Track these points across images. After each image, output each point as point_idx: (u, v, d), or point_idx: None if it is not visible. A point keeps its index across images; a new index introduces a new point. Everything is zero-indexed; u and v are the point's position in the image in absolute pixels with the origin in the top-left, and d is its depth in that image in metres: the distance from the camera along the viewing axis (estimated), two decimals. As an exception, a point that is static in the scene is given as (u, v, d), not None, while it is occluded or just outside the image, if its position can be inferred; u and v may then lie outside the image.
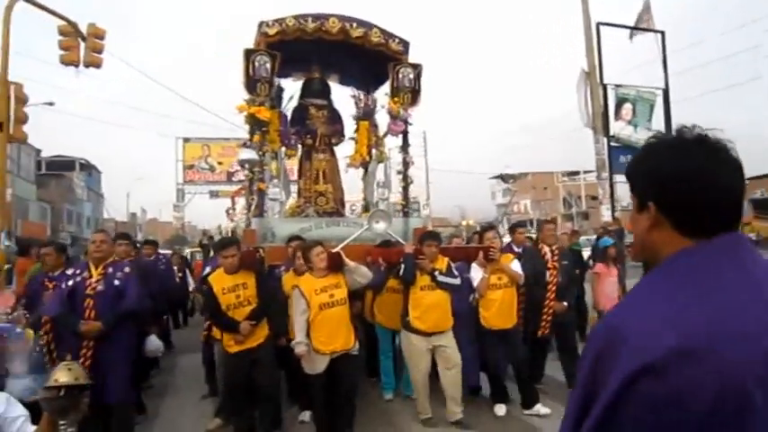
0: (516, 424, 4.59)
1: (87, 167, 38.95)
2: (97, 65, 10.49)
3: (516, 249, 5.96)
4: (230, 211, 17.42)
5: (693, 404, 0.73)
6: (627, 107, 11.51)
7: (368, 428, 4.52)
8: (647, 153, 0.97)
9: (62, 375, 1.43)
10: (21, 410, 1.66)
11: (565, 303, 5.27)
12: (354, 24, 6.02)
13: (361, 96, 7.15)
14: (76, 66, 10.25)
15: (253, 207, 5.97)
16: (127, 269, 4.25)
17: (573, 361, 5.13)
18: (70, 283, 4.01)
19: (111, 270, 4.13)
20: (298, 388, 4.83)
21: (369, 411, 4.88)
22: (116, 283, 4.09)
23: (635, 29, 11.90)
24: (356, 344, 4.29)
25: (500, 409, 4.72)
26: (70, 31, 10.16)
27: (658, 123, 11.49)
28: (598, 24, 11.34)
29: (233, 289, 4.28)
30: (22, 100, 9.84)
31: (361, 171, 7.42)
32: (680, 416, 0.74)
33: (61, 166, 35.44)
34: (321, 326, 4.10)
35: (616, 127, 11.33)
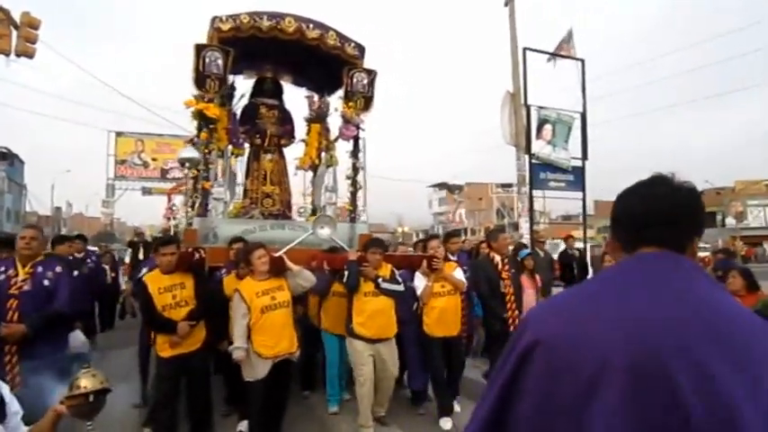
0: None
1: (9, 157, 36.28)
2: (30, 55, 10.07)
3: (451, 258, 6.10)
4: (172, 209, 16.73)
5: (565, 375, 0.93)
6: (547, 128, 12.18)
7: None
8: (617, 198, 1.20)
9: (87, 382, 1.52)
10: (18, 407, 1.67)
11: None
12: (311, 26, 5.96)
13: (315, 98, 7.12)
14: (8, 55, 9.85)
15: (196, 206, 5.76)
16: (58, 268, 3.93)
17: None
18: None
19: (40, 269, 3.80)
20: (236, 395, 4.67)
21: (309, 423, 4.81)
22: (45, 282, 3.78)
23: (557, 56, 12.76)
24: (298, 349, 4.22)
25: (446, 423, 4.66)
26: (2, 19, 9.76)
27: (574, 144, 12.53)
28: (524, 49, 12.12)
29: (169, 289, 4.09)
30: None
31: (309, 174, 7.35)
32: (555, 384, 0.94)
33: (-20, 154, 32.83)
34: (263, 329, 3.99)
35: (537, 146, 11.97)
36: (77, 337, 4.75)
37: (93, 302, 8.41)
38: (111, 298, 10.16)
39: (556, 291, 6.89)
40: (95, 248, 11.23)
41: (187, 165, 5.74)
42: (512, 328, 5.02)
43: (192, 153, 5.55)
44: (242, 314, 3.97)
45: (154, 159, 29.40)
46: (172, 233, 8.43)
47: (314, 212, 6.90)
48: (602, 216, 38.73)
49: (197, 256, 4.82)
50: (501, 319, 5.07)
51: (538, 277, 6.62)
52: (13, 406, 1.66)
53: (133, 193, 29.75)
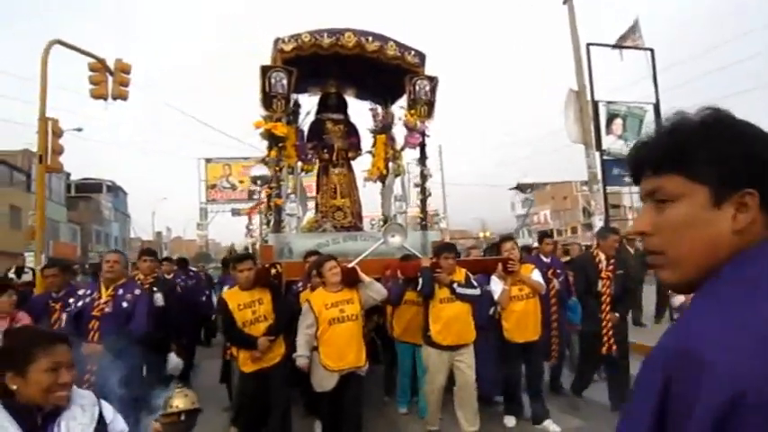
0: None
1: (114, 189, 39.94)
2: (124, 98, 11.14)
3: (545, 260, 5.89)
4: (248, 228, 17.56)
5: None
6: (617, 122, 11.98)
7: None
8: (722, 129, 0.74)
9: (180, 401, 1.62)
10: (124, 425, 1.76)
11: (617, 315, 4.96)
12: (370, 38, 6.02)
13: (379, 110, 7.17)
14: (105, 99, 10.90)
15: (271, 223, 5.97)
16: (137, 291, 4.18)
17: (623, 378, 4.91)
18: (79, 303, 3.97)
19: (120, 291, 4.06)
20: (312, 404, 4.76)
21: (380, 425, 4.84)
22: (124, 305, 4.01)
23: (624, 47, 12.31)
24: (366, 363, 4.21)
25: (509, 421, 4.65)
26: (99, 67, 10.91)
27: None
28: (588, 45, 11.84)
29: (249, 305, 4.22)
30: (57, 133, 10.69)
31: (379, 185, 7.39)
32: None
33: (89, 188, 36.43)
34: (330, 341, 4.03)
35: (607, 141, 11.77)
36: (172, 360, 5.05)
37: (193, 321, 8.81)
38: (205, 316, 10.72)
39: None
40: (195, 268, 11.98)
41: (258, 182, 5.98)
42: (604, 330, 4.80)
43: (262, 171, 5.78)
44: (308, 324, 4.03)
45: (241, 182, 30.95)
46: (251, 250, 8.83)
47: (385, 222, 6.90)
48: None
49: (273, 271, 4.98)
50: (595, 318, 4.86)
51: None
52: (118, 425, 1.73)
53: (224, 214, 31.52)
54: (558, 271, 5.83)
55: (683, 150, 0.75)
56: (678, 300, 4.23)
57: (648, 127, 12.11)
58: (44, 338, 1.63)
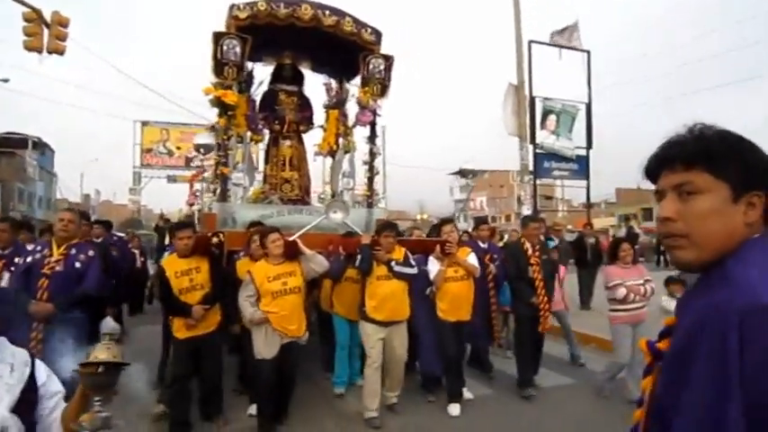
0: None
1: (40, 146, 37.31)
2: (60, 52, 10.54)
3: (482, 245, 6.14)
4: (195, 194, 17.02)
5: None
6: (551, 118, 12.74)
7: (309, 419, 4.53)
8: (744, 143, 0.93)
9: (101, 353, 1.50)
10: (59, 387, 1.66)
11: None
12: (327, 12, 5.97)
13: (333, 85, 7.14)
14: (40, 52, 10.30)
15: (216, 192, 5.89)
16: (91, 252, 4.11)
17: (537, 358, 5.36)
18: (29, 259, 3.85)
19: (74, 251, 3.98)
20: (248, 376, 4.79)
21: (315, 403, 4.92)
22: (77, 264, 3.95)
23: (562, 47, 13.05)
24: (306, 333, 4.31)
25: (454, 409, 4.71)
26: (34, 18, 10.26)
27: (578, 134, 13.04)
28: (530, 42, 12.51)
29: (186, 273, 4.22)
30: None
31: (329, 160, 7.41)
32: None
33: (13, 143, 33.81)
34: (273, 313, 4.09)
35: (541, 135, 12.56)
36: (108, 324, 4.91)
37: (118, 287, 8.61)
38: (140, 283, 10.43)
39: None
40: (122, 234, 11.54)
41: (202, 150, 5.85)
42: (541, 313, 5.10)
43: (207, 139, 5.68)
44: (247, 295, 4.09)
45: (178, 148, 29.77)
46: (196, 219, 8.65)
47: (333, 197, 6.96)
48: (623, 204, 37.96)
49: (215, 240, 4.95)
50: (528, 303, 5.11)
51: (561, 268, 6.67)
52: (52, 386, 1.64)
53: (159, 180, 30.26)
54: (495, 256, 6.13)
55: (712, 153, 0.91)
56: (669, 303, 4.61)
57: (580, 124, 12.74)
58: None
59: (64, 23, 10.63)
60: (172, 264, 4.31)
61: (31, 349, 3.62)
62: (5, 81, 21.31)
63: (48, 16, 10.41)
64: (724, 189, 0.90)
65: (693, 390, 0.80)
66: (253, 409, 4.52)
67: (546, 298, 5.13)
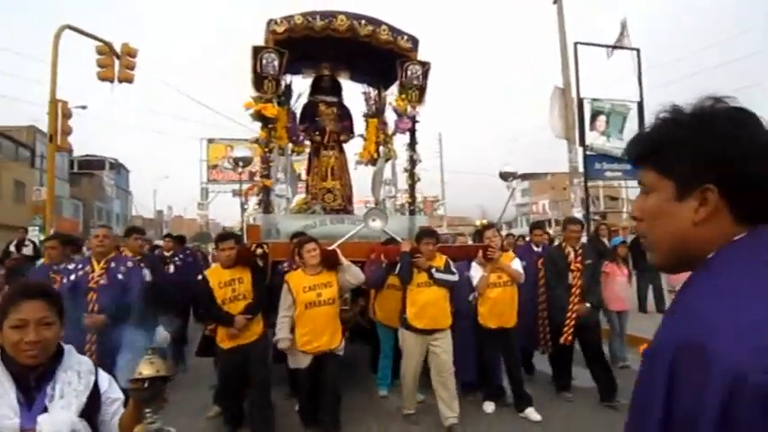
0: (503, 427, 4.53)
1: (116, 166, 39.99)
2: (129, 80, 11.61)
3: (536, 249, 5.94)
4: (244, 208, 17.61)
5: None
6: (601, 119, 12.57)
7: (354, 420, 4.56)
8: (693, 127, 0.78)
9: (145, 368, 1.55)
10: (119, 393, 1.75)
11: (587, 305, 4.98)
12: (363, 22, 6.01)
13: (371, 94, 7.16)
14: (111, 81, 11.36)
15: (260, 204, 6.03)
16: (129, 263, 4.32)
17: (602, 366, 5.03)
18: (72, 277, 4.07)
19: (113, 264, 4.18)
20: (294, 380, 4.86)
21: (361, 405, 4.94)
22: (119, 276, 4.14)
23: (611, 47, 12.84)
24: (342, 343, 4.32)
25: (488, 407, 4.72)
26: (106, 51, 11.37)
27: (630, 134, 11.97)
28: (576, 44, 12.40)
29: (229, 283, 4.31)
30: (66, 115, 11.46)
31: (372, 169, 7.41)
32: None
33: (92, 165, 36.49)
34: (305, 324, 4.14)
35: (591, 137, 12.37)
36: (160, 333, 5.14)
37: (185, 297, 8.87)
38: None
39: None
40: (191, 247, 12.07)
41: (240, 163, 5.99)
42: (566, 321, 4.90)
43: (243, 152, 5.80)
44: (287, 306, 4.12)
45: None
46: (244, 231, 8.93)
47: (374, 206, 6.94)
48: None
49: (259, 251, 5.04)
50: (561, 309, 4.91)
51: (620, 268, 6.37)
52: (113, 393, 1.73)
53: (225, 195, 31.56)
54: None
55: (655, 147, 0.82)
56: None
57: (632, 124, 12.45)
58: (16, 293, 1.60)
59: (132, 54, 11.70)
60: (215, 274, 4.42)
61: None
62: (84, 108, 22.98)
63: (118, 48, 11.50)
64: (668, 186, 0.80)
65: (631, 418, 0.76)
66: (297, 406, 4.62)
67: (579, 306, 4.92)
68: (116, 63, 11.47)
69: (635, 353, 6.39)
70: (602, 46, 12.82)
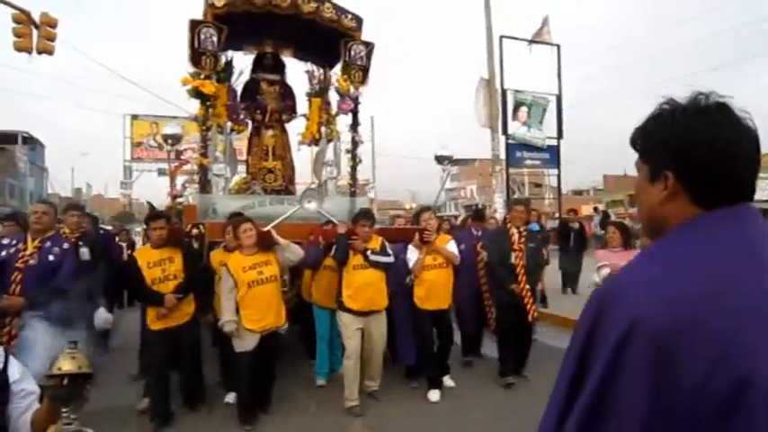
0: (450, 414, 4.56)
1: (30, 141, 36.98)
2: (49, 52, 10.83)
3: (475, 232, 6.05)
4: (174, 188, 16.89)
5: (686, 373, 0.70)
6: (523, 110, 13.47)
7: (294, 411, 4.51)
8: (664, 119, 0.89)
9: (65, 363, 1.39)
10: (34, 387, 1.59)
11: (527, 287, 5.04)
12: (307, -1, 5.89)
13: (315, 72, 7.05)
14: (29, 52, 10.60)
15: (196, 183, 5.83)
16: (66, 245, 4.04)
17: (528, 341, 5.30)
18: (3, 253, 3.78)
19: (48, 244, 3.91)
20: (229, 367, 4.76)
21: (299, 393, 4.91)
22: (50, 258, 3.88)
23: (533, 42, 13.68)
24: (285, 323, 4.30)
25: (433, 395, 4.72)
26: (24, 19, 10.60)
27: (549, 125, 13.76)
28: (501, 37, 13.11)
29: (159, 263, 4.18)
30: None
31: (314, 149, 7.34)
32: (672, 382, 0.71)
33: (3, 139, 33.48)
34: (251, 303, 4.08)
35: (513, 127, 13.25)
36: (101, 315, 4.89)
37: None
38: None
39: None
40: (109, 227, 11.44)
41: (169, 141, 5.77)
42: (523, 301, 4.97)
43: (174, 129, 5.59)
44: (229, 288, 4.05)
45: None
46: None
47: (319, 187, 6.90)
48: (611, 190, 38.24)
49: (195, 231, 4.91)
50: (507, 290, 5.01)
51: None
52: (26, 385, 1.59)
53: (150, 174, 30.10)
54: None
55: (639, 135, 0.95)
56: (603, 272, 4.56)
57: (551, 115, 13.40)
58: None
59: (52, 24, 10.94)
60: (144, 254, 4.27)
61: (2, 344, 3.60)
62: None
63: (36, 17, 10.66)
64: (645, 170, 0.93)
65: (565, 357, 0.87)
66: (230, 398, 4.53)
67: (527, 286, 5.02)
68: (34, 33, 10.66)
69: (546, 326, 6.93)
70: (524, 40, 13.62)
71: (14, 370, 1.59)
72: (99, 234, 8.38)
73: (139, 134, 29.51)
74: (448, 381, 4.98)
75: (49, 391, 1.43)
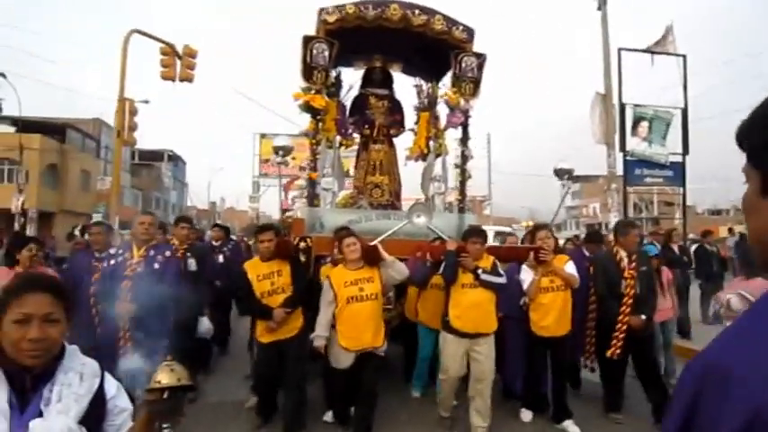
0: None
1: (174, 158, 41.67)
2: (190, 80, 12.47)
3: (587, 254, 5.54)
4: (287, 201, 17.82)
5: None
6: (643, 125, 12.40)
7: (386, 422, 4.38)
8: None
9: (164, 377, 1.38)
10: (128, 404, 1.59)
11: (642, 317, 4.50)
12: (416, 11, 5.78)
13: (424, 86, 6.94)
14: (173, 80, 12.23)
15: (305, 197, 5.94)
16: (168, 253, 4.24)
17: (656, 384, 4.58)
18: (112, 262, 4.04)
19: (152, 252, 4.11)
20: (328, 379, 4.71)
21: (394, 407, 4.75)
22: (156, 265, 4.06)
23: (655, 53, 12.52)
24: (384, 343, 4.11)
25: (526, 415, 4.45)
26: (169, 52, 12.21)
27: (673, 140, 12.51)
28: (619, 49, 12.17)
29: (268, 276, 4.22)
30: (132, 112, 12.47)
31: (422, 164, 7.18)
32: None
33: (152, 157, 38.12)
34: (347, 320, 3.97)
35: (632, 143, 12.22)
36: (203, 324, 5.14)
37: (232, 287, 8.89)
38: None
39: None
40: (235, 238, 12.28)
41: (280, 152, 5.92)
42: (615, 333, 4.44)
43: (284, 141, 5.71)
44: (328, 301, 3.97)
45: (293, 158, 31.50)
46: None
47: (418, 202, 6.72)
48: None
49: (302, 245, 4.94)
50: (611, 319, 4.49)
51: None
52: (121, 402, 1.55)
53: (275, 188, 32.18)
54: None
55: (747, 132, 0.70)
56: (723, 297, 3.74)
57: (676, 130, 12.35)
58: (20, 284, 1.42)
59: (193, 55, 12.49)
60: (254, 267, 4.34)
61: (118, 349, 3.77)
62: (146, 102, 24.02)
63: (180, 49, 12.31)
64: (756, 178, 0.68)
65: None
66: (329, 416, 4.44)
67: (632, 318, 4.44)
68: (177, 63, 12.26)
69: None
70: (645, 52, 12.59)
71: (110, 386, 1.55)
72: (233, 243, 8.92)
73: (266, 151, 31.78)
74: (571, 427, 4.37)
75: (149, 406, 1.38)
